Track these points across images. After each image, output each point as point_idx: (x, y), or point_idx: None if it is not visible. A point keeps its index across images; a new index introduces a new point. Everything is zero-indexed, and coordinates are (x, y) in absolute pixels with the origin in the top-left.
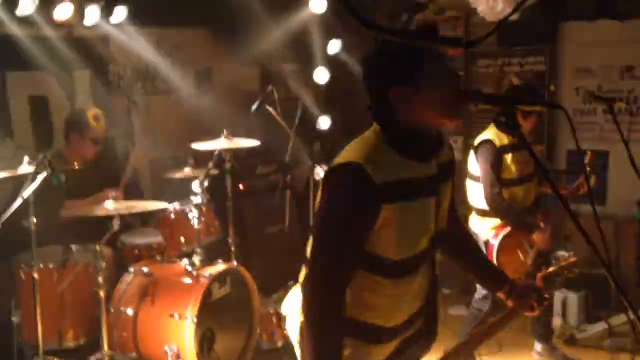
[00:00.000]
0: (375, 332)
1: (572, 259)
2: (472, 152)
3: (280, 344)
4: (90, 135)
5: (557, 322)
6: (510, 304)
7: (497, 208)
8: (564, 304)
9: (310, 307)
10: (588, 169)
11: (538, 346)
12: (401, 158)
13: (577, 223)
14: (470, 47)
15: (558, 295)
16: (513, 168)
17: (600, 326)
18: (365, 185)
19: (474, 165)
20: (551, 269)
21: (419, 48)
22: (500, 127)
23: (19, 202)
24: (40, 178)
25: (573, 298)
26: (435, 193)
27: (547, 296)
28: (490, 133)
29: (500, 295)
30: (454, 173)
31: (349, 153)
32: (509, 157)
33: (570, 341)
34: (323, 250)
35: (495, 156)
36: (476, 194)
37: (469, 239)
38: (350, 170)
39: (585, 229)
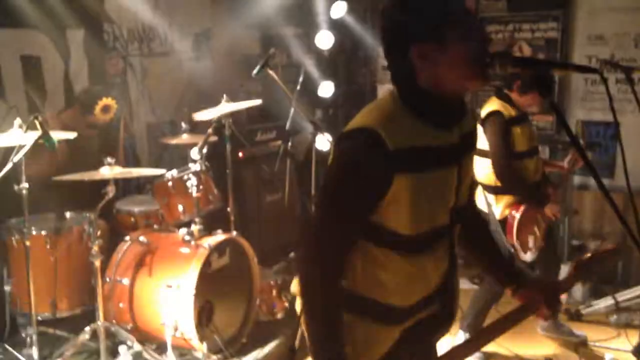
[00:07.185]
0: (387, 312)
1: (609, 246)
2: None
3: (279, 315)
4: (90, 121)
5: (562, 297)
6: (517, 299)
7: (508, 181)
8: None
9: (303, 280)
10: (581, 139)
11: (543, 322)
12: (419, 123)
13: (609, 197)
14: None
15: (563, 269)
16: (522, 140)
17: (606, 301)
18: (378, 152)
19: (481, 138)
20: (586, 256)
21: (445, 0)
22: (503, 98)
23: (9, 165)
24: (31, 140)
25: None
26: (458, 163)
27: (560, 300)
28: (496, 105)
29: (507, 289)
30: (476, 143)
31: (363, 117)
32: (517, 129)
33: (575, 316)
34: (323, 219)
35: (504, 128)
36: (483, 169)
37: (480, 219)
38: (362, 136)
39: (594, 202)
